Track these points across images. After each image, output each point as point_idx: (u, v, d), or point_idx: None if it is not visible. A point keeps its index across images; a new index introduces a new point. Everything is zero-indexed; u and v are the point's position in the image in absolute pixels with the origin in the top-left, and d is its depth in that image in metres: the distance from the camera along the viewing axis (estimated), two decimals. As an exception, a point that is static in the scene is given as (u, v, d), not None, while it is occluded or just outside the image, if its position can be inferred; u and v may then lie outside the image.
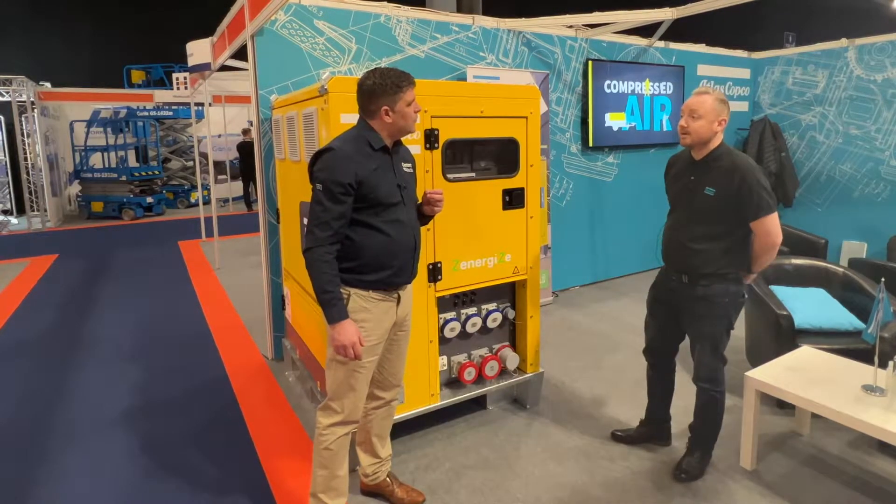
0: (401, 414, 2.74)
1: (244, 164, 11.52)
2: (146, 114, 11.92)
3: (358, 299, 2.04)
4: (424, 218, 2.29)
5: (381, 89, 1.98)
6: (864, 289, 3.35)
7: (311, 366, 3.06)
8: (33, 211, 10.64)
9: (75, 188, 11.91)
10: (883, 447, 2.69)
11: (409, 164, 2.19)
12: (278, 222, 3.67)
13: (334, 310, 1.94)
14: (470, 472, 2.60)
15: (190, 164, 13.27)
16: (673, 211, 2.47)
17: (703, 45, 6.34)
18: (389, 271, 2.05)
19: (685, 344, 2.57)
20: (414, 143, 2.58)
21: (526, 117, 2.95)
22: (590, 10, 4.82)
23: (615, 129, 5.51)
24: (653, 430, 2.78)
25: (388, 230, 2.02)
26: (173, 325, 4.75)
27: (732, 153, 2.28)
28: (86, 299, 5.59)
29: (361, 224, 2.00)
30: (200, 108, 9.98)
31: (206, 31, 5.43)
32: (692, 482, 2.47)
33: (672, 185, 2.48)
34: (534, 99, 2.98)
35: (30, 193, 10.70)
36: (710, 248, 2.28)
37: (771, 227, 2.21)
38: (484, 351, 3.09)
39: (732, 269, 2.30)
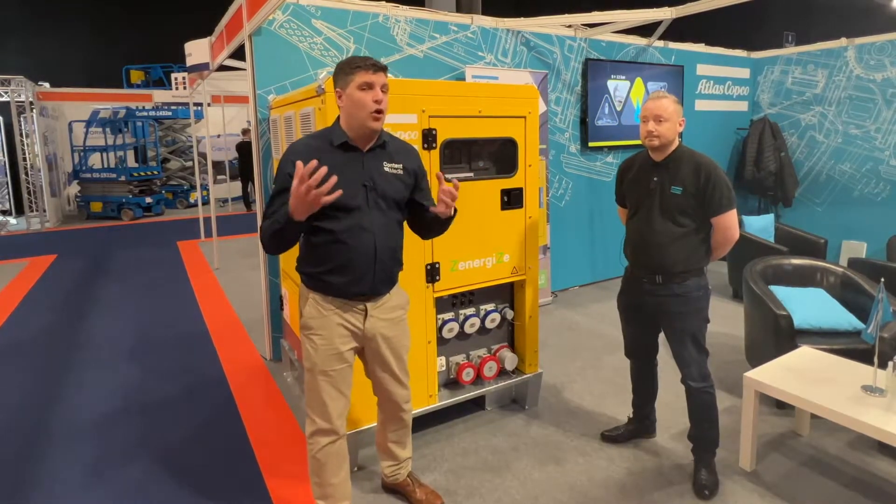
0: (399, 415, 2.74)
1: (243, 164, 11.51)
2: (145, 114, 11.91)
3: (314, 304, 1.97)
4: (439, 223, 2.08)
5: (336, 71, 1.92)
6: (863, 289, 3.34)
7: (309, 366, 3.05)
8: (32, 211, 10.63)
9: (74, 188, 11.89)
10: (883, 448, 2.68)
11: (397, 166, 2.00)
12: (276, 222, 3.66)
13: (282, 216, 1.76)
14: (468, 473, 2.59)
15: (189, 164, 13.26)
16: (635, 214, 2.49)
17: (703, 44, 6.33)
18: (346, 278, 1.93)
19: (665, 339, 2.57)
20: (412, 144, 2.57)
21: (524, 117, 2.94)
22: (589, 10, 4.81)
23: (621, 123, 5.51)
24: (639, 425, 2.83)
25: (343, 236, 1.89)
26: (172, 326, 4.74)
27: (693, 152, 2.36)
28: (84, 300, 5.58)
29: (316, 228, 1.89)
30: (199, 108, 9.97)
31: (205, 31, 5.43)
32: (715, 489, 2.41)
33: (631, 189, 2.52)
34: (532, 98, 2.97)
35: (29, 194, 10.69)
36: (681, 245, 2.34)
37: (730, 222, 2.31)
38: (482, 351, 3.09)
39: (701, 263, 2.38)
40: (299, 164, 1.65)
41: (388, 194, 1.98)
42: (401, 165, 2.03)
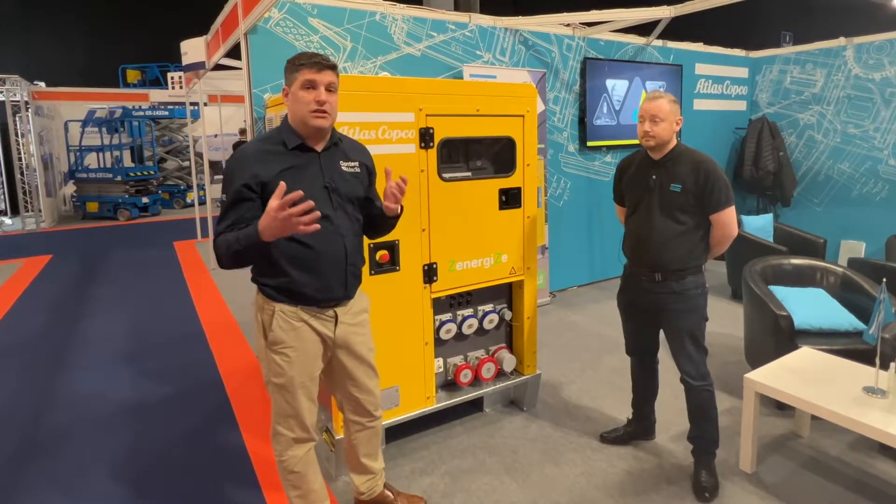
0: (396, 417, 2.71)
1: (241, 163, 11.46)
2: (141, 113, 11.87)
3: (282, 316, 1.83)
4: (386, 221, 2.04)
5: (285, 67, 1.82)
6: (863, 289, 3.32)
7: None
8: (27, 211, 10.57)
9: (70, 188, 11.84)
10: (884, 449, 2.67)
11: (354, 164, 1.94)
12: (273, 222, 3.63)
13: (245, 237, 1.65)
14: (466, 475, 2.57)
15: (186, 164, 13.21)
16: (634, 212, 2.49)
17: (701, 43, 6.31)
18: (319, 284, 1.84)
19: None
20: (409, 143, 2.55)
21: (522, 116, 2.92)
22: (587, 9, 4.79)
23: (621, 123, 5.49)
24: (638, 426, 2.81)
25: (309, 240, 1.78)
26: (167, 326, 4.71)
27: (691, 151, 2.37)
28: (80, 300, 5.54)
29: None
30: (196, 107, 9.93)
31: (202, 30, 5.40)
32: (715, 492, 2.39)
33: (631, 187, 2.52)
34: (530, 97, 2.95)
35: (24, 194, 10.64)
36: (680, 243, 2.34)
37: (729, 219, 2.31)
38: (480, 353, 3.06)
39: (699, 261, 2.39)
40: (282, 185, 1.56)
41: (349, 194, 1.91)
42: (357, 163, 1.96)
